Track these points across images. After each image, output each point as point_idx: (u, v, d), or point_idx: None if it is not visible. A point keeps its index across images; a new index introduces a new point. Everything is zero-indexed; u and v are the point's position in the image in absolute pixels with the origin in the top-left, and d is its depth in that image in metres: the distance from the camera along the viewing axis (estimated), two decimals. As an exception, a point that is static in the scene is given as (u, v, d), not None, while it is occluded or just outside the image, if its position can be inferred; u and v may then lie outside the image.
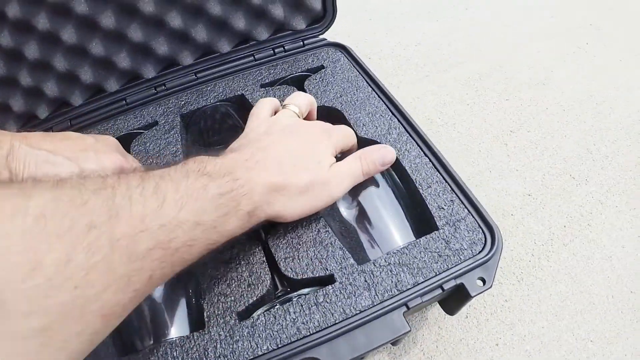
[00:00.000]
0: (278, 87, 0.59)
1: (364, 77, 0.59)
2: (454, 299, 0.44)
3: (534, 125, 0.72)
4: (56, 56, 0.56)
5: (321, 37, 0.64)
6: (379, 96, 0.56)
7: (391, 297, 0.41)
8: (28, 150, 0.41)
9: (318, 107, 0.54)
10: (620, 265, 0.58)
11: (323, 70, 0.60)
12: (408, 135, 0.51)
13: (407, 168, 0.49)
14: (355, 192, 0.47)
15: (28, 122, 0.60)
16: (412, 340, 0.53)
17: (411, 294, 0.41)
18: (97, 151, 0.45)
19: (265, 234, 0.47)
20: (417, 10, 0.95)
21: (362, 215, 0.46)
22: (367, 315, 0.40)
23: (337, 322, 0.40)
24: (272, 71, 0.61)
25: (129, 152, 0.54)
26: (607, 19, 0.89)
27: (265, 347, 0.39)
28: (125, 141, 0.55)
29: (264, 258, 0.44)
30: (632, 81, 0.78)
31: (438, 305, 0.48)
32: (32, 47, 0.54)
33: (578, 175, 0.66)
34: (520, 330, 0.54)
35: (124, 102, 0.60)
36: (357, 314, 0.40)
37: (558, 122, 0.72)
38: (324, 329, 0.39)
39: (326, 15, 0.63)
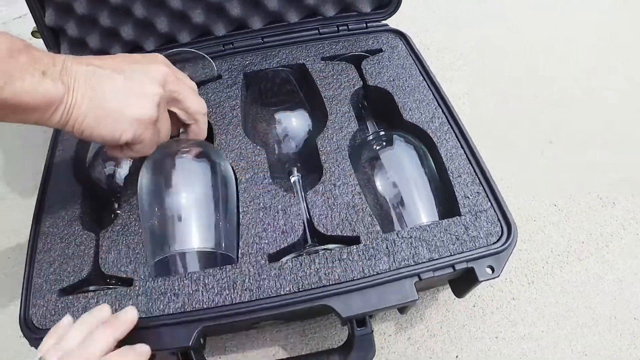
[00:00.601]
0: (337, 62, 0.65)
1: (417, 66, 0.64)
2: (463, 281, 0.50)
3: (574, 140, 0.77)
4: (135, 4, 0.65)
5: (383, 22, 0.70)
6: (428, 86, 0.62)
7: (407, 266, 0.47)
8: (78, 67, 0.47)
9: (371, 86, 0.60)
10: (630, 291, 0.63)
11: (381, 53, 0.66)
12: (449, 126, 0.57)
13: (442, 155, 0.54)
14: (392, 168, 0.53)
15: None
16: (420, 317, 0.60)
17: (425, 267, 0.47)
18: (144, 63, 0.51)
19: (304, 191, 0.54)
20: (483, 11, 1.00)
21: (394, 190, 0.53)
22: (383, 278, 0.46)
23: (355, 278, 0.46)
24: (334, 47, 0.67)
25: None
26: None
27: (287, 289, 0.46)
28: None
29: (300, 211, 0.51)
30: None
31: (449, 289, 0.54)
32: None
33: (606, 197, 0.71)
34: (521, 329, 0.60)
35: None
36: (373, 275, 0.46)
37: (599, 141, 0.77)
38: (342, 282, 0.46)
39: (392, 1, 0.69)
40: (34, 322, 0.48)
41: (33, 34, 0.92)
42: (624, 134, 0.78)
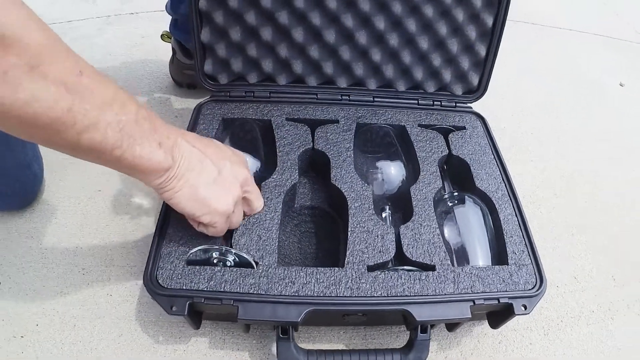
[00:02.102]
0: (430, 130, 0.91)
1: (490, 146, 0.89)
2: (502, 314, 0.73)
3: (600, 227, 1.02)
4: (282, 45, 0.90)
5: (469, 104, 0.96)
6: (496, 163, 0.86)
7: (466, 293, 0.69)
8: (187, 146, 0.62)
9: (454, 155, 0.86)
10: (626, 357, 0.84)
11: (464, 130, 0.91)
12: (509, 197, 0.81)
13: (501, 219, 0.78)
14: (462, 221, 0.79)
15: (237, 80, 0.94)
16: (457, 342, 0.82)
17: (479, 296, 0.69)
18: (232, 162, 0.68)
19: (393, 224, 0.79)
20: (548, 104, 1.27)
21: (462, 238, 0.78)
22: (448, 298, 0.69)
23: (429, 294, 0.69)
24: (429, 117, 0.93)
25: (313, 135, 0.87)
26: None
27: (379, 293, 0.69)
28: (311, 124, 0.89)
29: (394, 238, 0.75)
30: None
31: (482, 325, 0.77)
32: (267, 32, 0.88)
33: (619, 279, 0.95)
34: (533, 367, 0.83)
35: (315, 96, 0.93)
36: (442, 295, 0.69)
37: (621, 233, 1.02)
38: (419, 295, 0.69)
39: (479, 90, 0.94)
40: (159, 281, 0.67)
41: (162, 37, 1.16)
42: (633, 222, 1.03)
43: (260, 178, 0.82)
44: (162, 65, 1.28)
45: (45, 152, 0.96)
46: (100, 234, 0.91)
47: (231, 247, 0.72)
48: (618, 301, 0.92)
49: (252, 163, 0.85)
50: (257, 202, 0.75)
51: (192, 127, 0.88)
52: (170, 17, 1.11)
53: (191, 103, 1.19)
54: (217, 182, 0.65)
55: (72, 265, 0.86)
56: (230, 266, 0.71)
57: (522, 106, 1.29)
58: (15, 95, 0.44)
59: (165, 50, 1.21)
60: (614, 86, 1.41)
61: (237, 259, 0.71)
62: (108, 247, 0.89)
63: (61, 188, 0.98)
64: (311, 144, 0.87)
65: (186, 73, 1.18)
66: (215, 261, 0.71)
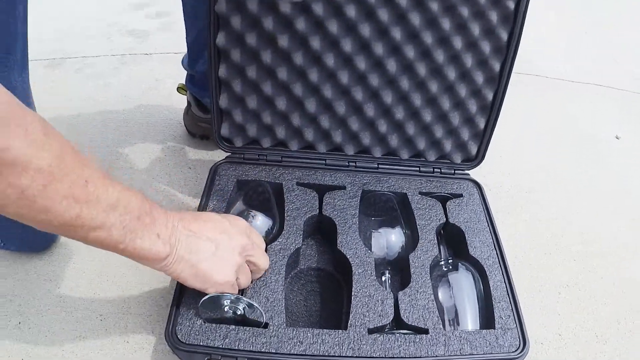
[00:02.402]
0: (429, 198, 1.01)
1: (485, 214, 0.99)
2: (487, 375, 0.84)
3: (585, 285, 1.10)
4: (295, 114, 1.01)
5: (467, 171, 1.07)
6: (489, 230, 0.97)
7: (455, 355, 0.79)
8: (183, 231, 0.69)
9: (450, 223, 0.96)
10: None
11: (461, 197, 1.02)
12: (499, 265, 0.91)
13: (490, 285, 0.88)
14: (454, 286, 0.89)
15: (252, 144, 1.05)
16: None
17: (466, 358, 0.79)
18: (230, 235, 0.75)
19: (396, 289, 0.89)
20: (544, 160, 1.38)
21: (453, 301, 0.88)
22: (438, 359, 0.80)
23: (422, 356, 0.78)
24: (428, 184, 1.03)
25: (321, 199, 0.98)
26: None
27: (378, 354, 0.78)
28: (319, 190, 1.00)
29: (392, 303, 0.85)
30: None
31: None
32: (282, 101, 0.99)
33: (601, 335, 1.03)
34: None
35: (324, 162, 1.04)
36: (433, 357, 0.78)
37: (600, 291, 1.11)
38: (414, 357, 0.78)
39: (477, 158, 1.05)
40: (179, 336, 0.75)
41: (178, 90, 1.26)
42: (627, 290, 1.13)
43: (274, 236, 0.93)
44: (175, 113, 1.37)
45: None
46: (118, 282, 0.97)
47: (242, 294, 0.82)
48: (600, 357, 1.01)
49: (264, 221, 0.95)
50: (261, 262, 0.81)
51: (209, 187, 0.99)
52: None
53: (204, 154, 1.29)
54: (215, 255, 0.73)
55: (90, 310, 0.92)
56: (241, 314, 0.80)
57: (518, 164, 1.38)
58: (32, 206, 0.52)
59: (179, 96, 1.29)
60: (609, 140, 1.50)
61: (247, 307, 0.79)
62: (125, 295, 0.95)
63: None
64: (317, 210, 0.97)
65: (201, 125, 1.26)
66: (226, 309, 0.78)
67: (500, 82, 0.98)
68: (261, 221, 0.95)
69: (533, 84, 1.71)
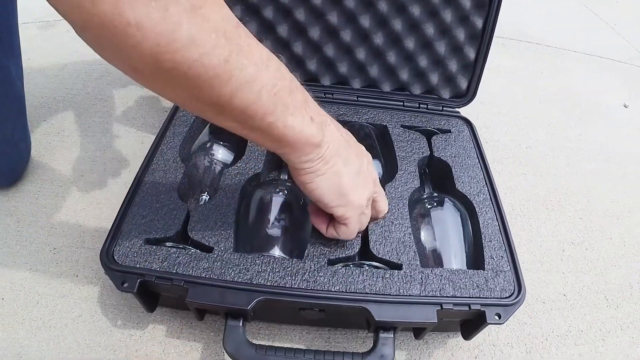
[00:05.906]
0: (413, 131, 0.84)
1: (476, 151, 0.82)
2: (473, 323, 0.66)
3: (593, 244, 0.93)
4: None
5: (457, 109, 0.89)
6: (480, 167, 0.79)
7: (433, 296, 0.62)
8: (335, 131, 0.58)
9: (435, 157, 0.78)
10: None
11: (449, 133, 0.85)
12: (490, 201, 0.74)
13: (480, 223, 0.71)
14: (438, 224, 0.71)
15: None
16: (429, 354, 0.74)
17: (447, 300, 0.62)
18: (368, 161, 0.64)
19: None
20: (543, 120, 1.19)
21: (437, 241, 0.70)
22: (413, 299, 0.62)
23: (391, 294, 0.62)
24: (413, 119, 0.87)
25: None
26: None
27: (337, 288, 0.62)
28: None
29: (361, 233, 0.68)
30: None
31: (457, 337, 0.69)
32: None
33: (612, 299, 0.85)
34: (511, 386, 0.74)
35: (299, 93, 0.88)
36: (406, 295, 0.62)
37: (617, 250, 0.93)
38: (381, 294, 0.62)
39: (467, 94, 0.88)
40: (115, 257, 0.63)
41: None
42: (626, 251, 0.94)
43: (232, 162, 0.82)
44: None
45: (34, 135, 0.97)
46: (76, 216, 0.89)
47: None
48: (610, 322, 0.83)
49: (225, 154, 0.84)
50: (384, 203, 0.69)
51: (174, 112, 0.87)
52: None
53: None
54: (359, 175, 0.60)
55: (44, 244, 0.84)
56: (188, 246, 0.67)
57: (517, 120, 1.21)
58: (173, 35, 0.38)
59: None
60: (616, 106, 1.33)
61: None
62: (81, 229, 0.87)
63: (47, 171, 0.97)
64: None
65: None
66: None
67: (490, 8, 0.82)
68: (222, 153, 0.81)
69: (532, 50, 1.54)
